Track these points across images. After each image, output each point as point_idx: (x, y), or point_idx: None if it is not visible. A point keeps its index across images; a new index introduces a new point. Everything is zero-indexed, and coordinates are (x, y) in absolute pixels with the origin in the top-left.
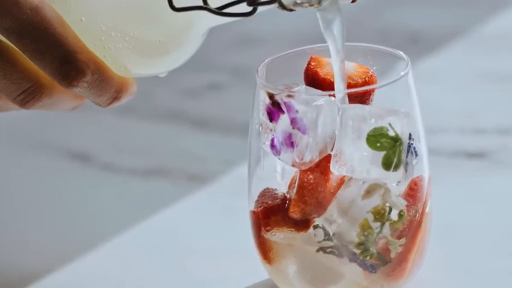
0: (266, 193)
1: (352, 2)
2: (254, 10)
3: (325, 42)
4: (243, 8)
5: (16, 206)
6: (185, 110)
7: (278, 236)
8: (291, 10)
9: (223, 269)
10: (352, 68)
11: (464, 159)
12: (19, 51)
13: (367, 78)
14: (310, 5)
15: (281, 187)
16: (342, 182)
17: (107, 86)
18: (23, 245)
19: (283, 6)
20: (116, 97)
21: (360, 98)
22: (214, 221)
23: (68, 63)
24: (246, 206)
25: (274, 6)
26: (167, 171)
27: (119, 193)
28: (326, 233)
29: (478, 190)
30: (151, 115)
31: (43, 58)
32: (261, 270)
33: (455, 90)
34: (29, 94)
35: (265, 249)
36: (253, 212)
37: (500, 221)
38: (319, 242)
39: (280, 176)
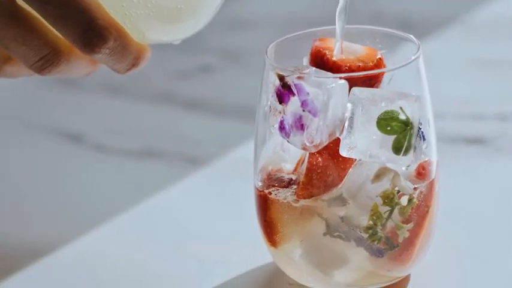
0: (272, 175)
1: None
2: None
3: (330, 24)
4: None
5: (8, 188)
6: (177, 92)
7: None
8: None
9: (222, 252)
10: (361, 50)
11: (463, 145)
12: (39, 17)
13: (376, 61)
14: None
15: (287, 169)
16: (350, 165)
17: (127, 53)
18: (16, 226)
19: None
20: (134, 63)
21: (369, 81)
22: (212, 204)
23: (91, 30)
24: (244, 189)
25: None
26: (162, 152)
27: (113, 174)
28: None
29: (479, 176)
30: (143, 97)
31: (65, 24)
32: (261, 254)
33: (451, 76)
34: (47, 60)
35: (270, 233)
36: (259, 195)
37: (502, 207)
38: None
39: (286, 157)
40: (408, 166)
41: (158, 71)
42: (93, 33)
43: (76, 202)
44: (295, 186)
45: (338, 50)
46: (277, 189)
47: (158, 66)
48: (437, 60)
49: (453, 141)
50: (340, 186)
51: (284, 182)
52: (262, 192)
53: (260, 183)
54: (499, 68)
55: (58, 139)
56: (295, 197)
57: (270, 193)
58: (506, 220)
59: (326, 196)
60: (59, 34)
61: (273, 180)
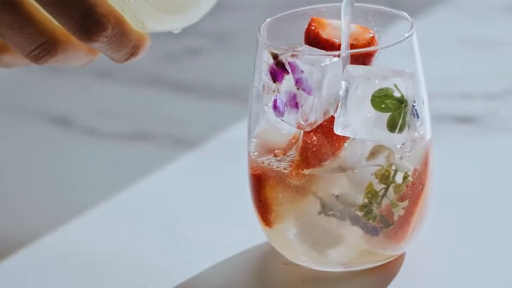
0: (265, 155)
1: None
2: None
3: (322, 2)
4: None
5: None
6: (166, 75)
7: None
8: None
9: (215, 233)
10: (354, 29)
11: (453, 124)
12: (35, 4)
13: (368, 40)
14: None
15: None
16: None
17: (125, 41)
18: (5, 212)
19: None
20: (133, 52)
21: (362, 59)
22: (203, 186)
23: (89, 17)
24: (235, 170)
25: None
26: (151, 135)
27: (103, 158)
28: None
29: (469, 155)
30: (132, 80)
31: (62, 11)
32: (254, 235)
33: (439, 56)
34: (44, 49)
35: (265, 212)
36: (253, 175)
37: (492, 185)
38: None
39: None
40: (403, 144)
41: (147, 54)
42: (91, 21)
43: (66, 186)
44: (290, 157)
45: (346, 43)
46: (272, 159)
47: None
48: (426, 40)
49: (443, 120)
50: (334, 159)
51: (278, 161)
52: (256, 172)
53: (255, 153)
54: (488, 48)
55: (46, 123)
56: (289, 167)
57: (263, 162)
58: (497, 198)
59: (320, 170)
60: (55, 22)
61: (268, 151)
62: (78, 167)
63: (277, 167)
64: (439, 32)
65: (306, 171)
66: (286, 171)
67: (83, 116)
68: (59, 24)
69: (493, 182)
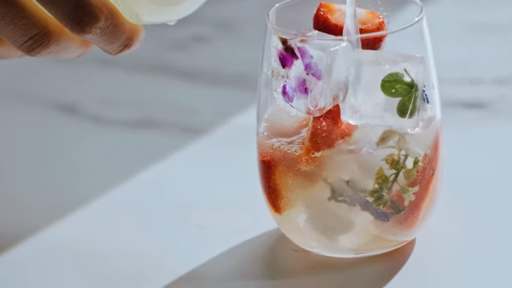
0: (275, 141)
1: None
2: None
3: None
4: None
5: (1, 160)
6: (171, 63)
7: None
8: None
9: (224, 220)
10: (363, 14)
11: (463, 109)
12: None
13: (378, 25)
14: None
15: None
16: (355, 129)
17: (119, 33)
18: (9, 200)
19: None
20: (126, 44)
21: (372, 44)
22: (212, 173)
23: (81, 8)
24: (243, 156)
25: None
26: (159, 123)
27: (110, 146)
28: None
29: (479, 140)
30: (138, 67)
31: (55, 3)
32: (264, 221)
33: (449, 41)
34: (36, 41)
35: (275, 199)
36: (263, 161)
37: (502, 170)
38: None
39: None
40: (414, 129)
41: (152, 42)
42: (84, 12)
43: (72, 174)
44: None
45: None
46: (283, 140)
47: (152, 37)
48: (435, 25)
49: (452, 105)
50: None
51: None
52: (265, 158)
53: (265, 133)
54: (497, 33)
55: (52, 111)
56: (300, 150)
57: (272, 145)
58: (507, 183)
59: (330, 152)
60: (48, 13)
61: (278, 133)
62: (84, 155)
63: (288, 150)
64: (448, 17)
65: (317, 154)
66: (296, 154)
67: (89, 103)
68: (51, 16)
69: (503, 167)
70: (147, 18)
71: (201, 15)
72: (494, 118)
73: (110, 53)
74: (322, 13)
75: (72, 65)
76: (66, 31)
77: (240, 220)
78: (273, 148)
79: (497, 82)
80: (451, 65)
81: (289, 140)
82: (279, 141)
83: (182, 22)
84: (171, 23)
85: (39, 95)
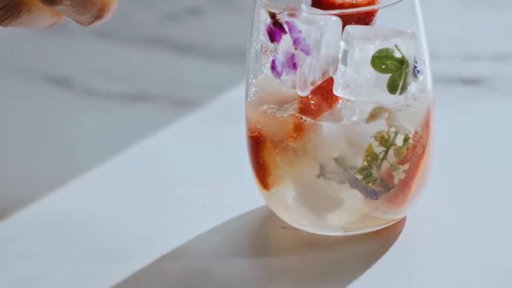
0: (264, 116)
1: None
2: None
3: None
4: None
5: None
6: (166, 35)
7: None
8: None
9: (214, 195)
10: None
11: (459, 85)
12: None
13: None
14: None
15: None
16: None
17: (90, 4)
18: (2, 173)
19: None
20: (98, 16)
21: (363, 19)
22: (203, 147)
23: None
24: (236, 131)
25: None
26: (152, 96)
27: (103, 119)
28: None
29: (475, 117)
30: (131, 40)
31: None
32: (254, 197)
33: (445, 16)
34: (7, 11)
35: (263, 175)
36: (251, 137)
37: (498, 148)
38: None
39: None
40: (406, 106)
41: (148, 14)
42: None
43: (65, 147)
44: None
45: None
46: (274, 107)
47: (147, 9)
48: (431, 0)
49: (448, 82)
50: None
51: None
52: (253, 134)
53: (253, 97)
54: (495, 7)
55: (45, 83)
56: (294, 112)
57: (265, 111)
58: (500, 162)
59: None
60: None
61: (264, 122)
62: (77, 128)
63: (281, 116)
64: None
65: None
66: (287, 120)
67: (82, 76)
68: None
69: (497, 145)
70: None
71: None
72: (490, 95)
73: (82, 24)
74: None
75: (66, 37)
76: (37, 1)
77: (230, 196)
78: (264, 115)
79: (494, 58)
80: (447, 40)
81: (279, 107)
82: (271, 108)
83: None
84: None
85: (32, 67)
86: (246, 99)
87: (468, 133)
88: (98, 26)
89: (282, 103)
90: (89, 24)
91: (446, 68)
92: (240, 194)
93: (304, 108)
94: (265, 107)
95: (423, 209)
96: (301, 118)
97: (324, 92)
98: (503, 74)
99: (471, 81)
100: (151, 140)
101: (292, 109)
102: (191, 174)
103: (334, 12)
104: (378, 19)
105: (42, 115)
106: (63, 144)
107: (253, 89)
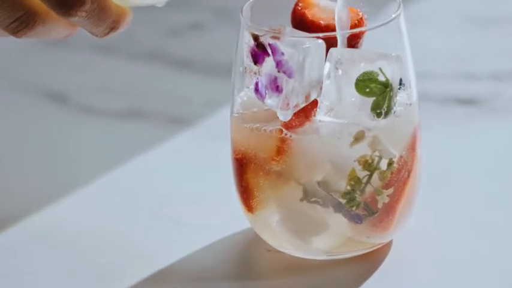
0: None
1: None
2: None
3: None
4: None
5: None
6: (167, 50)
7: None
8: None
9: (202, 216)
10: None
11: (455, 105)
12: None
13: (356, 21)
14: None
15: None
16: None
17: (105, 16)
18: None
19: None
20: (113, 27)
21: (349, 41)
22: (196, 166)
23: None
24: (228, 150)
25: None
26: (147, 113)
27: (97, 135)
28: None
29: (471, 138)
30: (131, 55)
31: None
32: (241, 219)
33: (445, 35)
34: (22, 22)
35: (247, 198)
36: (236, 159)
37: (492, 170)
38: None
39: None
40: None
41: (148, 29)
42: None
43: (60, 164)
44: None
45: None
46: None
47: (147, 23)
48: (431, 17)
49: (445, 101)
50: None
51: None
52: (238, 156)
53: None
54: (495, 26)
55: (42, 99)
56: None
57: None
58: (495, 184)
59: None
60: None
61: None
62: (72, 145)
63: (265, 131)
64: (444, 9)
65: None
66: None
67: (79, 92)
68: None
69: (494, 167)
70: (134, 0)
71: (198, 2)
72: (486, 115)
73: (97, 36)
74: (299, 8)
75: (64, 51)
76: (52, 12)
77: (219, 216)
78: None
79: (493, 78)
80: (446, 58)
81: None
82: (255, 125)
83: (179, 9)
84: (159, 5)
85: (29, 83)
86: (231, 133)
87: (464, 154)
88: (98, 40)
89: (266, 121)
90: (104, 35)
91: (444, 87)
92: (229, 214)
93: (288, 124)
94: (251, 124)
95: (410, 232)
96: (285, 134)
97: (308, 116)
98: (501, 94)
99: (469, 101)
100: (144, 158)
101: (277, 125)
102: (182, 193)
103: (319, 35)
104: (366, 41)
105: (37, 131)
106: (57, 161)
107: (238, 106)
